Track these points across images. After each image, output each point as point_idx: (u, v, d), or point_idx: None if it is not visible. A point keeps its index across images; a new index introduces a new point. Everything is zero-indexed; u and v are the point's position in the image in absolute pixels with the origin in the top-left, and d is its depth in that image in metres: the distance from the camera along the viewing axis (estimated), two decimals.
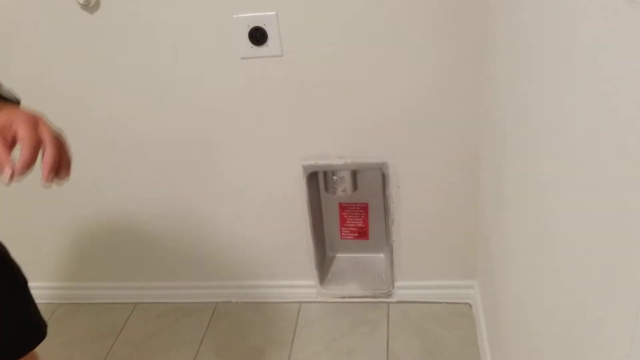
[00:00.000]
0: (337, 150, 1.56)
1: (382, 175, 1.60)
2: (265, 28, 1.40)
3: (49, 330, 1.82)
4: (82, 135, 1.62)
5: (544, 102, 0.80)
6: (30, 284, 1.92)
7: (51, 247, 1.86)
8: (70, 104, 1.58)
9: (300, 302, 1.82)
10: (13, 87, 0.87)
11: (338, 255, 1.88)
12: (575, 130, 0.65)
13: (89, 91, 1.55)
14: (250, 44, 1.43)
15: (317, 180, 1.71)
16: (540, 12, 0.81)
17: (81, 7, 1.43)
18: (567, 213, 0.70)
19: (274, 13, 1.38)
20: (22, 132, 0.73)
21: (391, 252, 1.70)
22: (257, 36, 1.41)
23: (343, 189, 1.65)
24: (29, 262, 1.88)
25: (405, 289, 1.76)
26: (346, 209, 1.77)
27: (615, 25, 0.51)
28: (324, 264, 1.84)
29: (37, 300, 1.93)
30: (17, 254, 1.82)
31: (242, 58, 1.45)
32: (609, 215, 0.55)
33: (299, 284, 1.80)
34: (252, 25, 1.40)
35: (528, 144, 0.93)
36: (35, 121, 0.75)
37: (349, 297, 1.79)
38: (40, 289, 1.92)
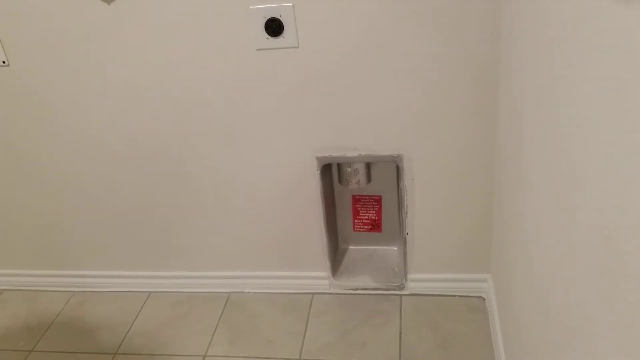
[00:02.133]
0: (351, 142, 1.56)
1: (396, 167, 1.60)
2: (282, 19, 1.40)
3: (64, 317, 1.85)
4: (102, 118, 1.63)
5: (568, 89, 0.79)
6: (46, 272, 1.96)
7: (66, 236, 1.88)
8: (93, 88, 1.59)
9: (313, 294, 1.82)
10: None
11: (351, 247, 1.89)
12: (602, 120, 0.65)
13: (105, 76, 1.56)
14: (267, 35, 1.43)
15: (331, 172, 1.72)
16: None
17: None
18: (593, 201, 0.70)
19: (290, 4, 1.38)
20: None
21: (404, 244, 1.70)
22: (274, 27, 1.41)
23: (357, 181, 1.65)
24: (46, 250, 1.91)
25: (418, 281, 1.76)
26: (359, 201, 1.77)
27: None
28: (336, 256, 1.85)
29: (53, 289, 1.97)
30: (33, 243, 1.85)
31: (258, 49, 1.45)
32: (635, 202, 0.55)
33: (311, 275, 1.81)
34: (268, 17, 1.40)
35: (549, 135, 0.92)
36: None
37: (362, 289, 1.79)
38: (55, 277, 1.95)
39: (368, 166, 1.65)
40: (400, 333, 1.65)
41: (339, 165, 1.67)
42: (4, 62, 1.56)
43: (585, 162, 0.73)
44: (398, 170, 1.59)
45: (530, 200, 1.11)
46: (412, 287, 1.77)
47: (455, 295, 1.76)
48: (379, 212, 1.78)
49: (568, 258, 0.84)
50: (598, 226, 0.67)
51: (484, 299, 1.73)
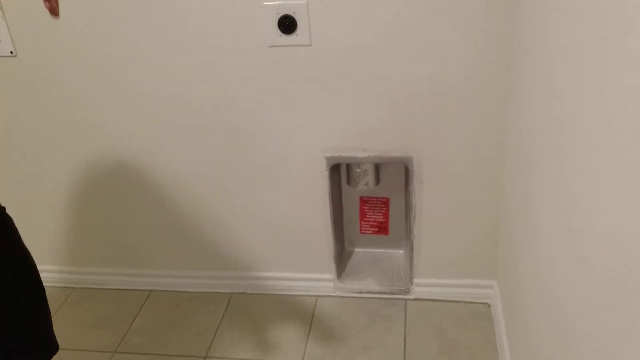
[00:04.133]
0: (361, 143, 1.54)
1: (405, 170, 1.58)
2: (295, 16, 1.38)
3: (62, 314, 1.82)
4: (106, 115, 1.61)
5: (579, 93, 0.78)
6: (46, 267, 1.93)
7: (67, 231, 1.85)
8: (113, 82, 1.57)
9: (317, 296, 1.80)
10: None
11: (357, 249, 1.87)
12: (613, 125, 0.63)
13: (117, 78, 1.54)
14: (279, 32, 1.41)
15: (340, 173, 1.70)
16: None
17: None
18: (602, 207, 0.68)
19: (304, 2, 1.37)
20: None
21: (411, 248, 1.68)
22: (287, 24, 1.39)
23: (365, 183, 1.63)
24: (45, 245, 1.88)
25: (424, 286, 1.74)
26: (367, 203, 1.76)
27: None
28: (342, 258, 1.83)
29: (52, 284, 1.94)
30: (34, 237, 1.81)
31: (270, 46, 1.43)
32: None
33: (316, 277, 1.78)
34: (281, 13, 1.38)
35: (559, 141, 0.91)
36: None
37: (366, 293, 1.77)
38: (56, 273, 1.92)
39: (377, 167, 1.63)
40: (405, 338, 1.63)
41: (347, 165, 1.65)
42: (11, 53, 1.54)
43: (596, 168, 0.71)
44: (407, 173, 1.58)
45: (539, 208, 1.09)
46: (417, 291, 1.75)
47: (460, 301, 1.74)
48: (386, 215, 1.76)
49: (578, 265, 0.83)
50: (609, 234, 0.65)
51: (489, 306, 1.71)
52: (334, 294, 1.79)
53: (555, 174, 0.96)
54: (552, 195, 1.00)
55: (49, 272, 1.93)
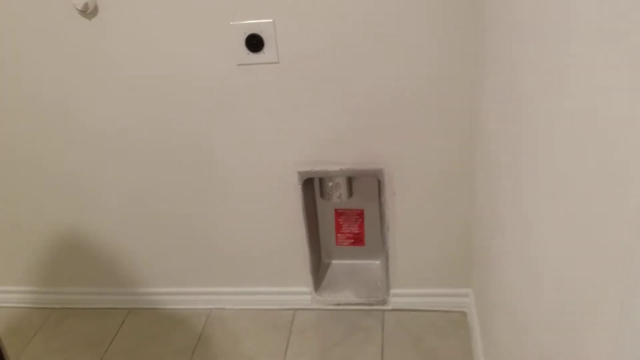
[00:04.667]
0: (332, 157, 1.56)
1: (377, 182, 1.60)
2: (262, 35, 1.41)
3: (42, 335, 1.82)
4: (71, 139, 1.62)
5: (532, 100, 0.80)
6: (24, 289, 1.93)
7: (45, 253, 1.85)
8: (66, 108, 1.58)
9: (295, 310, 1.81)
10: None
11: (334, 261, 1.88)
12: (558, 134, 0.65)
13: (82, 97, 1.55)
14: (247, 51, 1.43)
15: (313, 186, 1.71)
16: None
17: (79, 13, 1.43)
18: (550, 222, 0.70)
19: (270, 20, 1.39)
20: None
21: (386, 259, 1.70)
22: (254, 43, 1.42)
23: (338, 195, 1.65)
24: (24, 267, 1.88)
25: (401, 296, 1.76)
26: (342, 215, 1.77)
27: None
28: (319, 271, 1.84)
29: (32, 305, 1.94)
30: (11, 259, 1.82)
31: (239, 65, 1.45)
32: (594, 219, 0.55)
33: (293, 291, 1.80)
34: (248, 33, 1.41)
35: (519, 148, 0.93)
36: None
37: (344, 304, 1.78)
38: (35, 294, 1.92)
39: (350, 180, 1.65)
40: (382, 349, 1.64)
41: (320, 179, 1.67)
42: None
43: (547, 179, 0.73)
44: (379, 185, 1.60)
45: (502, 215, 1.12)
46: (394, 302, 1.76)
47: (437, 310, 1.76)
48: (361, 226, 1.78)
49: (530, 276, 0.85)
50: (569, 239, 0.67)
51: (465, 314, 1.73)
52: (311, 307, 1.80)
53: (515, 181, 0.99)
54: (512, 203, 1.02)
55: (27, 294, 1.93)
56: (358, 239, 1.81)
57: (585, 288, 0.61)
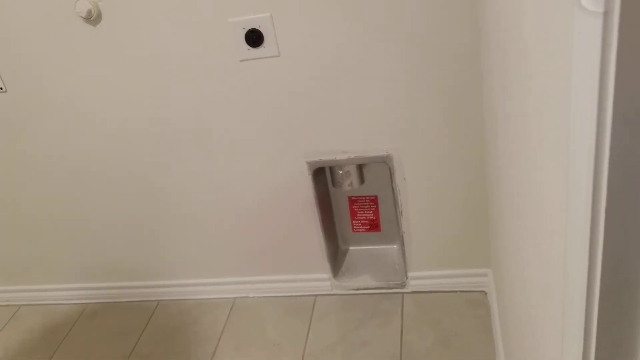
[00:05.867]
0: (340, 145, 1.57)
1: (388, 167, 1.61)
2: (261, 30, 1.43)
3: (77, 330, 1.91)
4: (95, 135, 1.68)
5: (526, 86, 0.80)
6: (60, 286, 2.02)
7: (77, 252, 1.93)
8: (77, 107, 1.64)
9: (316, 296, 1.85)
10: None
11: (351, 248, 1.90)
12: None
13: (90, 98, 1.61)
14: (248, 46, 1.45)
15: (325, 176, 1.73)
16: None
17: (84, 21, 1.47)
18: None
19: (268, 14, 1.41)
20: None
21: (402, 243, 1.71)
22: (254, 38, 1.44)
23: (349, 183, 1.67)
24: (56, 264, 1.97)
25: (419, 279, 1.77)
26: (356, 202, 1.79)
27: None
28: (337, 257, 1.87)
29: (66, 302, 2.03)
30: (48, 260, 1.90)
31: (241, 60, 1.48)
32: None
33: (313, 278, 1.83)
34: (247, 28, 1.43)
35: (520, 132, 0.93)
36: None
37: (363, 289, 1.81)
38: (70, 290, 2.01)
39: (360, 168, 1.67)
40: (402, 331, 1.66)
41: (331, 168, 1.69)
42: (1, 89, 1.62)
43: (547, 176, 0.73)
44: (390, 170, 1.60)
45: (514, 193, 1.11)
46: (413, 284, 1.78)
47: (457, 291, 1.76)
48: (376, 212, 1.80)
49: (540, 253, 0.84)
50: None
51: (485, 294, 1.73)
52: (331, 292, 1.84)
53: (521, 159, 0.98)
54: (522, 182, 1.01)
55: (63, 291, 2.02)
56: (374, 225, 1.82)
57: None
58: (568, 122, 0.47)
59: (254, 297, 1.90)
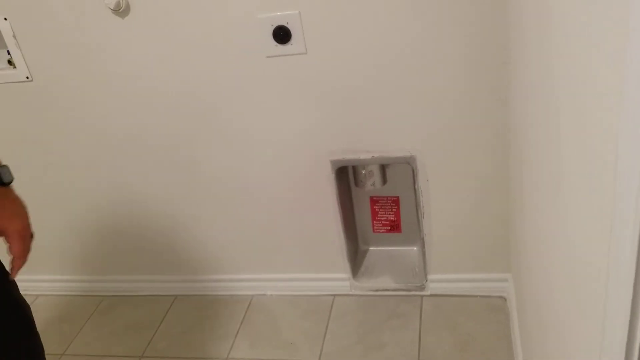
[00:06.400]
0: (364, 145, 1.56)
1: (411, 168, 1.60)
2: (289, 26, 1.42)
3: (93, 322, 1.91)
4: (104, 138, 1.68)
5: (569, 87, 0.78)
6: (78, 277, 2.03)
7: (96, 243, 1.94)
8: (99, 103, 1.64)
9: (334, 295, 1.84)
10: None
11: (371, 248, 1.89)
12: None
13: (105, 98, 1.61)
14: (275, 43, 1.44)
15: (348, 174, 1.72)
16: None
17: (112, 12, 1.47)
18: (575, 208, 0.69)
19: (297, 12, 1.40)
20: (16, 249, 0.95)
21: (423, 245, 1.70)
22: (281, 35, 1.43)
23: (372, 183, 1.66)
24: (75, 257, 1.97)
25: (439, 282, 1.75)
26: (377, 203, 1.78)
27: None
28: (356, 257, 1.86)
29: (84, 293, 2.03)
30: (64, 250, 1.91)
31: (268, 57, 1.47)
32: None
33: (332, 277, 1.82)
34: (275, 25, 1.42)
35: (548, 138, 0.91)
36: (24, 233, 0.97)
37: (382, 290, 1.80)
38: (87, 282, 2.02)
39: (383, 168, 1.66)
40: (420, 334, 1.65)
41: (354, 167, 1.68)
42: (27, 78, 1.62)
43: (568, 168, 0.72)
44: (413, 172, 1.59)
45: (529, 204, 1.10)
46: (432, 287, 1.76)
47: (476, 296, 1.75)
48: (397, 213, 1.78)
49: (567, 259, 0.83)
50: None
51: (505, 299, 1.72)
52: (350, 293, 1.83)
53: (549, 165, 0.97)
54: (548, 187, 1.00)
55: (81, 282, 2.02)
56: (394, 226, 1.81)
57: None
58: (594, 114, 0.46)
59: (271, 295, 1.89)
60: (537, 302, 1.11)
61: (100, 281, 2.02)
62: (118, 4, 1.44)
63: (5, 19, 1.54)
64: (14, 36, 1.56)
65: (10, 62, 1.62)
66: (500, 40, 1.35)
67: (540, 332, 1.07)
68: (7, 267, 0.99)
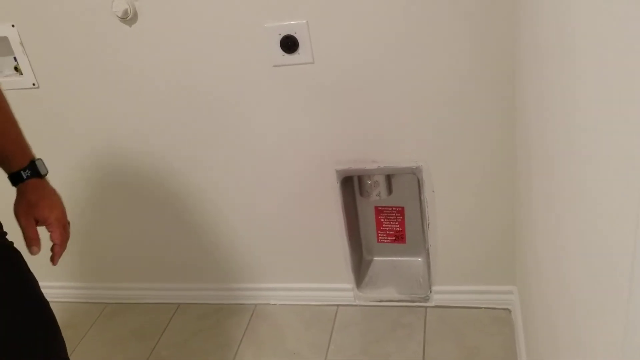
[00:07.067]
0: (370, 155, 1.56)
1: (417, 179, 1.59)
2: (296, 36, 1.42)
3: (97, 329, 1.90)
4: (127, 132, 1.68)
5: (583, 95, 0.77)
6: (82, 284, 2.02)
7: (100, 250, 1.93)
8: (108, 120, 1.64)
9: (338, 306, 1.83)
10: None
11: (375, 258, 1.88)
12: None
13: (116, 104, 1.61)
14: (282, 52, 1.44)
15: (353, 184, 1.72)
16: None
17: (120, 20, 1.48)
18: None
19: (304, 21, 1.40)
20: (57, 236, 1.05)
21: (428, 256, 1.69)
22: (289, 44, 1.43)
23: (377, 193, 1.65)
24: (80, 263, 1.97)
25: (443, 293, 1.75)
26: (382, 213, 1.77)
27: None
28: (361, 268, 1.85)
29: (87, 300, 2.03)
30: (69, 257, 1.90)
31: (275, 66, 1.47)
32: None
33: (336, 287, 1.81)
34: (283, 34, 1.42)
35: (556, 145, 0.90)
36: (64, 221, 1.07)
37: (386, 301, 1.79)
38: (91, 289, 2.01)
39: (388, 178, 1.65)
40: (424, 346, 1.64)
41: (359, 177, 1.67)
42: (34, 85, 1.62)
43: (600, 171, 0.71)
44: (419, 182, 1.59)
45: (538, 212, 1.09)
46: (437, 298, 1.75)
47: (481, 307, 1.74)
48: (402, 223, 1.78)
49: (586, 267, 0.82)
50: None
51: (510, 311, 1.71)
52: (354, 303, 1.82)
53: (548, 180, 0.96)
54: (545, 200, 0.99)
55: (84, 289, 2.02)
56: (399, 236, 1.80)
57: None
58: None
59: (275, 304, 1.88)
60: (549, 314, 1.10)
61: (104, 288, 2.02)
62: (126, 12, 1.44)
63: (13, 25, 1.55)
64: (21, 43, 1.57)
65: (16, 68, 1.62)
66: (508, 52, 1.35)
67: (552, 344, 1.06)
68: (34, 259, 1.08)
